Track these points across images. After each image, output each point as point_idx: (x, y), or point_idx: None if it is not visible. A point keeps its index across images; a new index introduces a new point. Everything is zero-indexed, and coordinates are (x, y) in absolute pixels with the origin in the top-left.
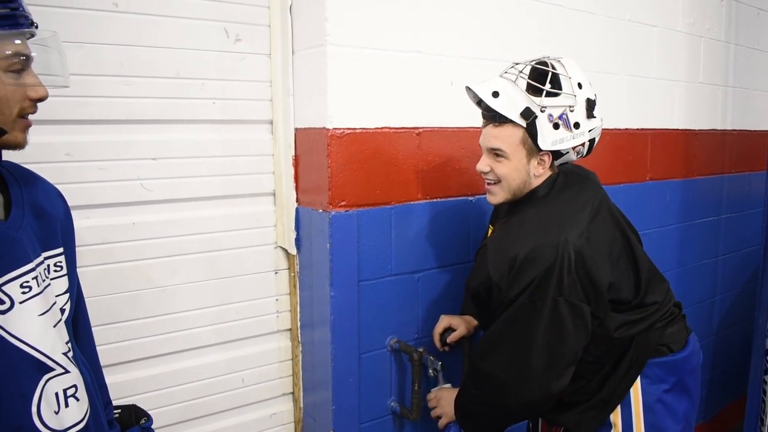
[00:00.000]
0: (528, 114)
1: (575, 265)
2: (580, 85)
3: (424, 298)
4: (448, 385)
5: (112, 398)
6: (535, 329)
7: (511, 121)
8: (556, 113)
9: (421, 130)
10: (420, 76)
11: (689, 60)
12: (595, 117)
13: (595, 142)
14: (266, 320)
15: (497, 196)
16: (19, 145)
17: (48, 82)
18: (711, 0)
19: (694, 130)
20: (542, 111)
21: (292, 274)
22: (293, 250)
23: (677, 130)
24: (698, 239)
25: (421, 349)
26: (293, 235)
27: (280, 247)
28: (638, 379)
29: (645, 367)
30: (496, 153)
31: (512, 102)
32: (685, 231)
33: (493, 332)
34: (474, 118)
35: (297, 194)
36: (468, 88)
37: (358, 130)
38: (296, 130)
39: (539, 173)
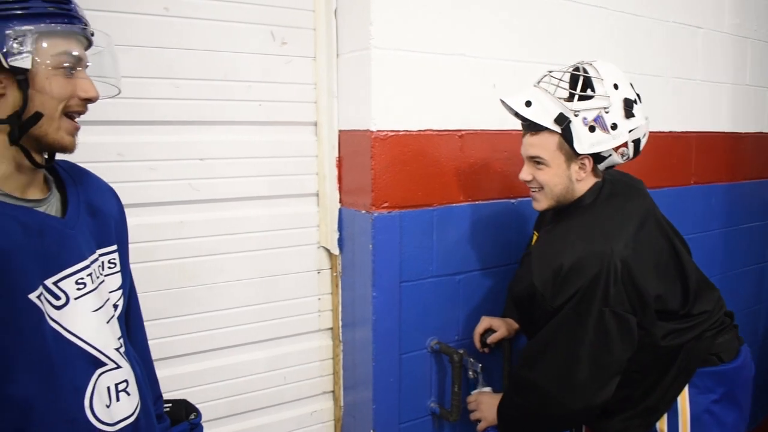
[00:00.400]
0: (562, 119)
1: (621, 276)
2: (616, 86)
3: (465, 300)
4: (489, 389)
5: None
6: (580, 339)
7: (547, 128)
8: (590, 116)
9: (463, 132)
10: (463, 79)
11: (736, 61)
12: (635, 116)
13: (641, 144)
14: (308, 319)
15: (541, 202)
16: (66, 148)
17: (101, 86)
18: (758, 0)
19: (741, 132)
20: (576, 115)
21: (335, 274)
22: (336, 250)
23: (723, 132)
24: (743, 244)
25: (461, 351)
26: (336, 235)
27: (323, 247)
28: (686, 388)
29: (694, 377)
30: (536, 161)
31: (545, 109)
32: (729, 236)
33: (537, 341)
34: (516, 121)
35: (340, 195)
36: (503, 101)
37: (401, 133)
38: (340, 131)
39: (581, 178)
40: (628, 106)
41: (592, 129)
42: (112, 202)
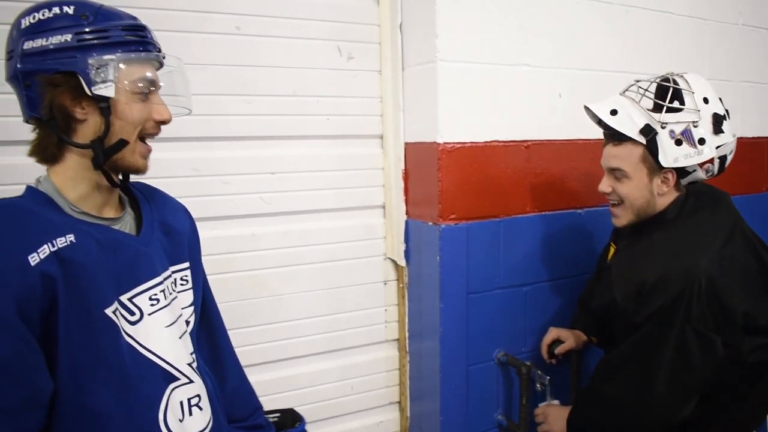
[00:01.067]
0: (648, 131)
1: (706, 293)
2: (706, 100)
3: (532, 312)
4: (557, 402)
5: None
6: (660, 357)
7: (631, 139)
8: (678, 129)
9: (529, 143)
10: (528, 89)
11: None
12: (724, 132)
13: (728, 161)
14: (375, 330)
15: (621, 218)
16: (139, 170)
17: (173, 107)
18: None
19: None
20: (663, 127)
21: (401, 285)
22: (402, 262)
23: None
24: None
25: (528, 363)
26: (402, 247)
27: (390, 258)
28: None
29: None
30: (616, 173)
31: (631, 119)
32: None
33: (616, 356)
34: (583, 130)
35: (406, 207)
36: (587, 108)
37: (467, 144)
38: (406, 144)
39: (663, 192)
40: (718, 121)
41: (678, 142)
42: (184, 220)
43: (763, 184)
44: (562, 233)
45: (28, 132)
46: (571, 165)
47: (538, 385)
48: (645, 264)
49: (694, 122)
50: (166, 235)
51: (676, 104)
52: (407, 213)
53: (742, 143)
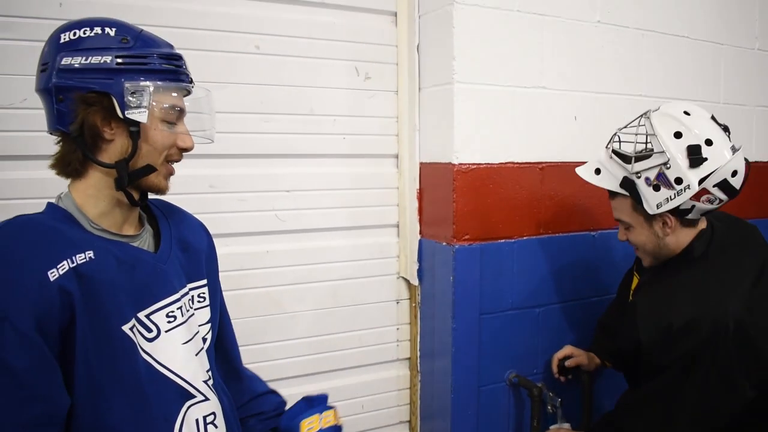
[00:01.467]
0: (626, 183)
1: (734, 338)
2: (678, 134)
3: (544, 333)
4: (567, 425)
5: None
6: (684, 398)
7: (619, 193)
8: (652, 175)
9: (544, 165)
10: (544, 112)
11: None
12: (707, 159)
13: (735, 182)
14: (387, 348)
15: (645, 260)
16: (161, 190)
17: (196, 136)
18: None
19: None
20: (638, 177)
21: (413, 305)
22: (415, 281)
23: None
24: None
25: (540, 385)
26: (416, 266)
27: (402, 277)
28: None
29: None
30: (622, 223)
31: (612, 175)
32: None
33: (637, 395)
34: (597, 153)
35: (420, 227)
36: (577, 173)
37: (482, 165)
38: (421, 164)
39: (668, 233)
40: (694, 153)
41: (656, 188)
42: (202, 237)
43: None
44: (576, 255)
45: (48, 147)
46: (585, 187)
47: (549, 407)
48: (672, 305)
49: (664, 164)
50: (184, 252)
51: (646, 149)
52: (421, 233)
53: (757, 167)
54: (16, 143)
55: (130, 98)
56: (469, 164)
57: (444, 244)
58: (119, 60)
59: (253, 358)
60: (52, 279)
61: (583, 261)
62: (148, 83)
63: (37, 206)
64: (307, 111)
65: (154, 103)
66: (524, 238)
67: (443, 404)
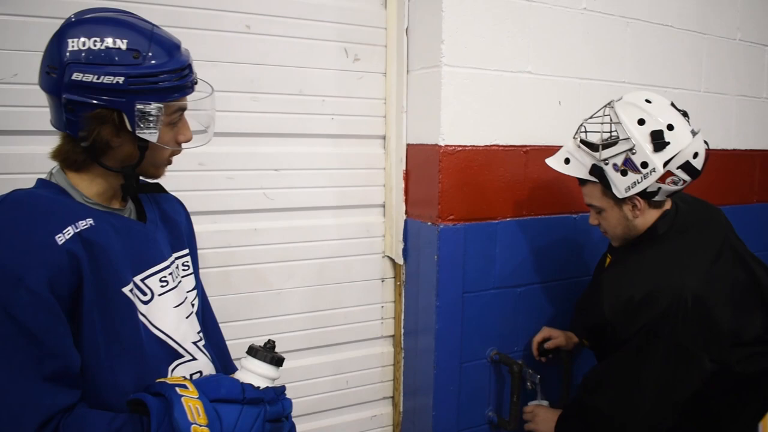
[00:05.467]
0: (595, 170)
1: (692, 311)
2: (641, 121)
3: (525, 312)
4: (546, 403)
5: None
6: (645, 372)
7: (589, 180)
8: (619, 160)
9: (528, 148)
10: (529, 96)
11: None
12: (669, 143)
13: (696, 163)
14: (371, 326)
15: (614, 242)
16: (156, 177)
17: (196, 132)
18: None
19: None
20: (606, 163)
21: (398, 283)
22: (400, 260)
23: None
24: None
25: (520, 362)
26: (401, 245)
27: (388, 256)
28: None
29: None
30: (594, 208)
31: (581, 163)
32: None
33: (603, 369)
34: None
35: (406, 207)
36: (547, 163)
37: (468, 147)
38: (408, 145)
39: (637, 215)
40: (657, 138)
41: (624, 173)
42: (180, 211)
43: (753, 195)
44: (557, 237)
45: (39, 122)
46: None
47: (528, 384)
48: (634, 280)
49: (630, 149)
50: (165, 223)
51: (612, 137)
52: (407, 213)
53: (734, 155)
54: (8, 118)
55: (141, 119)
56: (455, 146)
57: (429, 224)
58: (131, 81)
59: (240, 334)
60: (60, 243)
61: (564, 242)
62: (159, 105)
63: (28, 181)
64: (297, 91)
65: (164, 120)
66: (507, 219)
67: (426, 380)
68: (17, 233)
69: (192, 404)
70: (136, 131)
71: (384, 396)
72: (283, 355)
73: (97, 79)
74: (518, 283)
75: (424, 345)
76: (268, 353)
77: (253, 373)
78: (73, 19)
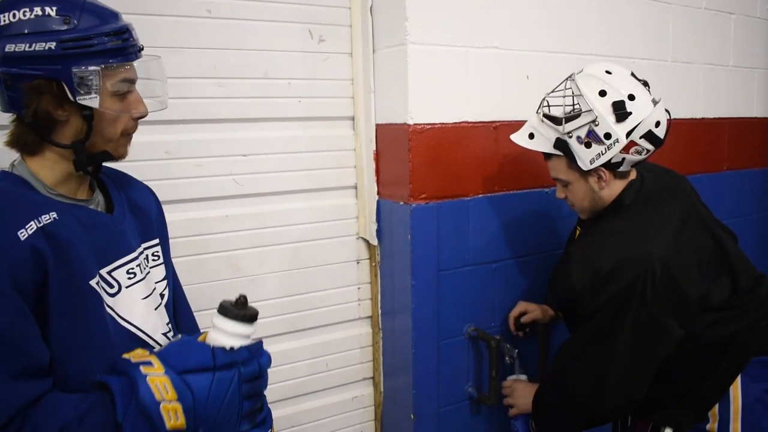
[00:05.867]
0: (559, 143)
1: (661, 279)
2: (603, 93)
3: (501, 288)
4: (524, 377)
5: None
6: (615, 342)
7: (554, 154)
8: (582, 133)
9: (498, 123)
10: (496, 72)
11: None
12: (631, 113)
13: (659, 132)
14: (348, 308)
15: (582, 214)
16: (121, 157)
17: (149, 102)
18: None
19: None
20: (570, 136)
21: (373, 264)
22: (374, 241)
23: (756, 118)
24: None
25: (498, 337)
26: (374, 226)
27: (362, 238)
28: (739, 378)
29: (747, 366)
30: (560, 182)
31: (545, 138)
32: (764, 221)
33: (573, 342)
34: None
35: (378, 187)
36: (511, 139)
37: (437, 125)
38: (377, 125)
39: (603, 187)
40: (619, 108)
41: (588, 145)
42: (150, 200)
43: (723, 163)
44: (529, 212)
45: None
46: None
47: (507, 359)
48: (601, 251)
49: (593, 121)
50: (134, 213)
51: (575, 110)
52: (379, 193)
53: (703, 124)
54: None
55: (80, 84)
56: (423, 124)
57: (401, 203)
58: (64, 45)
59: None
60: (22, 239)
61: (537, 217)
62: (96, 68)
63: None
64: (262, 75)
65: (105, 84)
66: (479, 195)
67: (405, 359)
68: None
69: (158, 381)
70: (77, 98)
71: (364, 377)
72: (262, 340)
73: (29, 47)
74: (493, 259)
75: (402, 324)
76: (240, 310)
77: (225, 333)
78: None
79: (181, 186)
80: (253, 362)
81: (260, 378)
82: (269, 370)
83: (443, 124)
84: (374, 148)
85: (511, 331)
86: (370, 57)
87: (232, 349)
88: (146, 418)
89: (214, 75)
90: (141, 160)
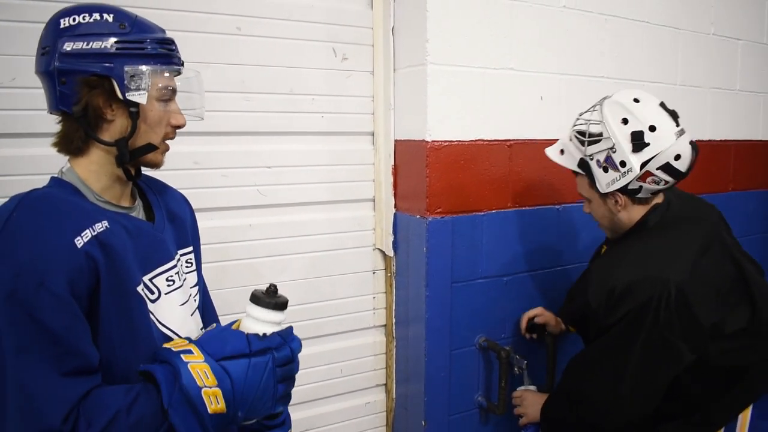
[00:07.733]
0: (582, 164)
1: (675, 302)
2: (625, 121)
3: (512, 301)
4: (534, 388)
5: None
6: (627, 358)
7: (579, 172)
8: (602, 157)
9: (512, 142)
10: (512, 92)
11: None
12: (649, 145)
13: (680, 165)
14: (364, 316)
15: (606, 232)
16: (157, 165)
17: (187, 114)
18: None
19: None
20: (591, 159)
21: (389, 275)
22: (390, 252)
23: (762, 141)
24: None
25: (508, 348)
26: (391, 238)
27: (378, 249)
28: (749, 409)
29: (759, 400)
30: (584, 199)
31: (572, 156)
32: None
33: (586, 355)
34: (562, 131)
35: (395, 201)
36: (546, 153)
37: (454, 142)
38: (396, 141)
39: (620, 210)
40: (636, 138)
41: (605, 169)
42: (186, 209)
43: (728, 184)
44: (541, 228)
45: (38, 125)
46: (551, 164)
47: (516, 369)
48: (618, 270)
49: (611, 148)
50: (172, 222)
51: (597, 134)
52: (396, 206)
53: (710, 146)
54: (5, 121)
55: (130, 81)
56: (441, 141)
57: (418, 217)
58: (119, 45)
59: None
60: (79, 246)
61: (548, 233)
62: (146, 67)
63: (27, 183)
64: (287, 90)
65: (153, 86)
66: (493, 211)
67: (417, 367)
68: (38, 236)
69: (199, 369)
70: (126, 94)
71: (377, 383)
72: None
73: (86, 45)
74: (504, 273)
75: (415, 333)
76: (271, 299)
77: (258, 320)
78: (64, 8)
79: (207, 195)
80: (285, 347)
81: (292, 362)
82: None
83: (460, 141)
84: (392, 163)
85: (522, 329)
86: (391, 75)
87: (265, 335)
88: (190, 403)
89: (242, 90)
90: (170, 170)
